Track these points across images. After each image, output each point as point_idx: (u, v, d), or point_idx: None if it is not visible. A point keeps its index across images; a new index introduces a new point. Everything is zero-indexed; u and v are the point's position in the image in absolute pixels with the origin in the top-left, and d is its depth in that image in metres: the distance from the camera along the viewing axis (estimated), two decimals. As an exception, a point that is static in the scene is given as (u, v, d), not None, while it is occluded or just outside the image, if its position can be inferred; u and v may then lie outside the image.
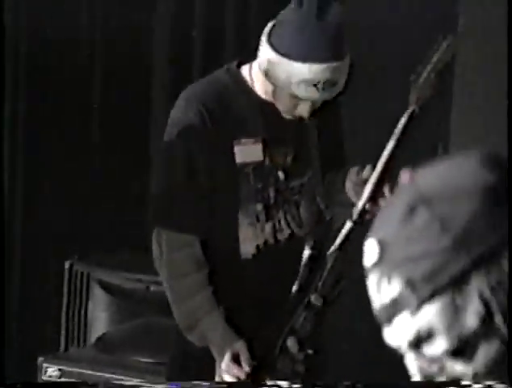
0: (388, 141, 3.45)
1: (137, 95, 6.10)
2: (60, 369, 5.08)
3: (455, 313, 1.42)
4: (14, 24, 6.05)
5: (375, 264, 1.50)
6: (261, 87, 3.65)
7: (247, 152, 3.63)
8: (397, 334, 1.48)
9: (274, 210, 3.63)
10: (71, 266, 5.42)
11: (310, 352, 3.44)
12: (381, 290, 1.49)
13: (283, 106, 3.60)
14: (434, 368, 1.45)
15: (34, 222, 6.07)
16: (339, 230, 3.45)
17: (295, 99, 3.53)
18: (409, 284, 1.44)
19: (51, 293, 5.78)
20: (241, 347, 3.45)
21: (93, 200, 6.05)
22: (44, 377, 5.02)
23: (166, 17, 6.11)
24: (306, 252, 3.42)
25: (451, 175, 1.53)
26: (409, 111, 3.40)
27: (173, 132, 3.65)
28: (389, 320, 1.48)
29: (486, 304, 1.41)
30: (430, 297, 1.43)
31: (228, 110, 3.66)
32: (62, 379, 5.02)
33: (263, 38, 3.52)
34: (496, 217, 1.44)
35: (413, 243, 1.46)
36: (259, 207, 3.62)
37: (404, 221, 1.47)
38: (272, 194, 3.62)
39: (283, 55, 3.46)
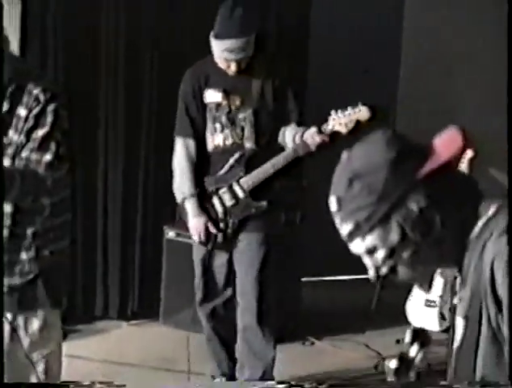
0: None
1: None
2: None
3: (385, 236, 2.41)
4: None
5: (337, 211, 2.48)
6: (218, 61, 5.65)
7: (212, 96, 5.75)
8: (356, 249, 2.47)
9: (225, 128, 5.73)
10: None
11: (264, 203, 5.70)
12: (342, 227, 2.47)
13: (224, 67, 5.62)
14: (384, 269, 2.46)
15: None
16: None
17: (227, 61, 5.57)
18: (356, 224, 2.44)
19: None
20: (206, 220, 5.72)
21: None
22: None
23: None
24: (236, 154, 5.69)
25: (369, 154, 2.46)
26: None
27: (181, 89, 5.92)
28: (350, 242, 2.47)
29: (402, 228, 2.41)
30: (370, 230, 2.43)
31: (205, 76, 5.78)
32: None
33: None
34: (399, 177, 2.40)
35: (354, 201, 2.43)
36: (217, 126, 5.74)
37: (348, 187, 2.43)
38: (224, 119, 5.72)
39: (213, 37, 5.57)
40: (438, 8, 8.14)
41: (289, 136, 5.56)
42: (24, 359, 4.68)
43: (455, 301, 2.50)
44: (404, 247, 2.39)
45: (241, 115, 5.63)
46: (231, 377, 5.99)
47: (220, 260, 5.80)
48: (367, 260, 2.44)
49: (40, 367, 4.67)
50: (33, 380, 4.70)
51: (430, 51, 8.14)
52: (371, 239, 2.40)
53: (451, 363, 2.46)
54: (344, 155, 2.45)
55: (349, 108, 5.42)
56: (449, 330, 2.53)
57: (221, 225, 5.70)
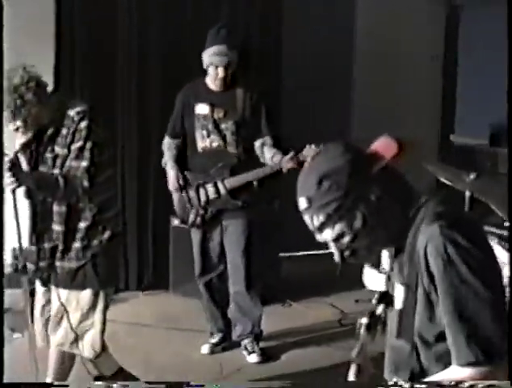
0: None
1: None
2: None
3: (351, 223, 2.40)
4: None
5: (306, 209, 2.45)
6: (208, 79, 5.70)
7: (201, 109, 5.74)
8: (324, 237, 2.46)
9: (211, 134, 5.70)
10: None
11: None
12: (313, 221, 2.45)
13: (212, 77, 5.63)
14: (347, 252, 2.45)
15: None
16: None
17: (215, 68, 5.54)
18: (327, 215, 2.41)
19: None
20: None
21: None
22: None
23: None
24: (225, 160, 5.68)
25: (331, 158, 2.45)
26: None
27: (175, 106, 5.94)
28: (320, 232, 2.45)
29: (364, 215, 2.40)
30: (339, 219, 2.40)
31: (195, 94, 5.79)
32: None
33: None
34: (358, 174, 2.40)
35: (325, 197, 2.40)
36: (204, 132, 5.72)
37: (318, 186, 2.41)
38: (210, 127, 5.69)
39: (205, 49, 5.59)
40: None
41: (268, 154, 5.63)
42: (70, 332, 4.69)
43: (396, 271, 2.48)
44: (365, 232, 2.40)
45: (223, 125, 5.64)
46: (225, 333, 6.01)
47: (212, 243, 5.88)
48: (333, 246, 2.45)
49: (85, 339, 4.70)
50: (75, 351, 4.74)
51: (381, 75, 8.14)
52: (339, 227, 2.40)
53: (395, 319, 2.45)
54: (306, 165, 2.48)
55: (321, 145, 5.39)
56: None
57: (201, 211, 5.77)
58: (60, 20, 6.87)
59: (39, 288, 4.79)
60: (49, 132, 4.47)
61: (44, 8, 6.83)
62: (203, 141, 5.69)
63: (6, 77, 4.34)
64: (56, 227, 4.52)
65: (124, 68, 7.10)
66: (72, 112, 4.44)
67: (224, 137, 5.64)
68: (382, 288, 2.54)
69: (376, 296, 2.34)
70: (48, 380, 4.85)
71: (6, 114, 4.39)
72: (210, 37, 5.57)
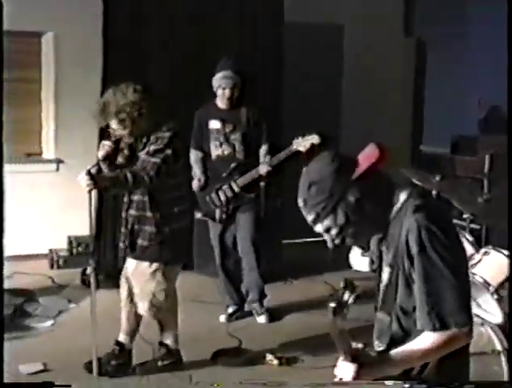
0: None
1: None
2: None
3: (335, 220, 2.38)
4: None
5: (303, 207, 2.43)
6: (218, 100, 5.76)
7: (213, 124, 5.79)
8: (317, 229, 2.43)
9: (223, 144, 5.75)
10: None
11: None
12: (308, 217, 2.43)
13: (220, 97, 5.71)
14: (337, 241, 2.42)
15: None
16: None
17: (223, 89, 5.64)
18: (317, 214, 2.40)
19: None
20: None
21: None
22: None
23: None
24: (233, 164, 5.77)
25: (319, 168, 2.42)
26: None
27: (194, 123, 5.94)
28: (314, 226, 2.43)
29: (346, 213, 2.36)
30: (325, 216, 2.38)
31: (208, 113, 5.83)
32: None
33: None
34: (340, 181, 2.36)
35: (313, 199, 2.39)
36: (217, 142, 5.79)
37: (308, 191, 2.40)
38: (222, 139, 5.76)
39: (215, 74, 5.65)
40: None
41: (263, 158, 5.79)
42: (135, 295, 4.78)
43: (384, 255, 2.44)
44: (349, 226, 2.38)
45: (233, 137, 5.74)
46: (239, 305, 6.07)
47: (229, 234, 5.98)
48: (325, 236, 2.44)
49: (146, 301, 4.75)
50: (142, 312, 4.81)
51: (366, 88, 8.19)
52: (326, 223, 2.39)
53: (379, 295, 2.45)
54: (304, 170, 2.47)
55: (306, 135, 5.53)
56: (375, 271, 2.52)
57: (224, 209, 5.83)
58: (107, 55, 6.81)
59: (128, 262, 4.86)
60: (144, 140, 4.60)
61: (93, 42, 6.82)
62: (216, 150, 5.80)
63: (120, 91, 4.52)
64: (138, 213, 4.64)
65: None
66: (164, 127, 4.56)
67: (233, 147, 5.76)
68: (365, 268, 2.56)
69: (342, 284, 2.26)
70: (121, 336, 4.90)
71: (109, 121, 4.54)
72: (219, 65, 5.69)
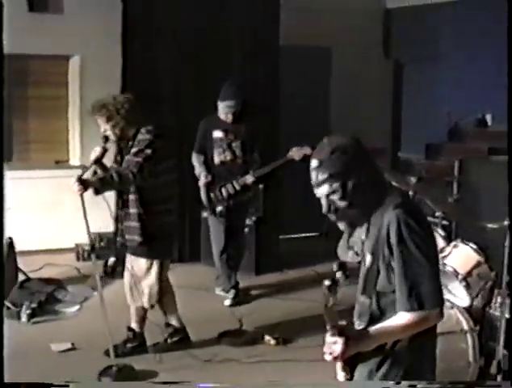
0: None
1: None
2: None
3: (343, 186, 2.32)
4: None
5: (316, 168, 2.35)
6: (221, 115, 5.77)
7: (217, 134, 5.83)
8: (321, 192, 2.35)
9: (225, 151, 5.81)
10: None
11: None
12: (317, 177, 2.35)
13: (224, 116, 5.76)
14: (332, 208, 2.36)
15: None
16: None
17: (227, 113, 5.73)
18: (330, 175, 2.32)
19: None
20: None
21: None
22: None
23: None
24: (235, 168, 5.85)
25: (350, 142, 2.36)
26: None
27: (198, 130, 5.98)
28: (319, 186, 2.35)
29: (354, 186, 2.32)
30: (338, 179, 2.32)
31: (212, 124, 5.86)
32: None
33: None
34: (359, 163, 2.33)
35: (332, 162, 2.32)
36: (220, 150, 5.83)
37: (330, 154, 2.32)
38: (225, 146, 5.81)
39: (219, 100, 5.75)
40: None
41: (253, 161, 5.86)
42: (134, 288, 4.72)
43: (365, 244, 2.41)
44: (350, 198, 2.34)
45: (234, 144, 5.82)
46: (235, 287, 6.04)
47: (226, 227, 5.95)
48: (324, 200, 2.37)
49: (146, 293, 4.71)
50: (144, 305, 4.75)
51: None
52: (334, 185, 2.32)
53: (362, 279, 2.41)
54: (326, 139, 2.39)
55: (302, 147, 5.58)
56: (360, 262, 2.50)
57: (225, 203, 5.86)
58: (126, 77, 6.86)
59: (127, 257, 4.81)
60: (130, 144, 4.53)
61: (114, 65, 6.83)
62: (219, 156, 5.85)
63: (111, 98, 4.52)
64: (132, 210, 4.57)
65: (167, 99, 7.08)
66: (143, 129, 4.51)
67: (234, 153, 5.83)
68: (350, 260, 2.55)
69: (335, 265, 2.26)
70: (133, 324, 4.87)
71: (99, 119, 4.50)
72: (223, 92, 5.77)
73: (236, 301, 5.99)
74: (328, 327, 2.28)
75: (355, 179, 2.34)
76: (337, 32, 7.81)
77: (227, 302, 5.97)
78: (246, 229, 6.50)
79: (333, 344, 2.26)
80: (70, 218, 7.04)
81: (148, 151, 4.43)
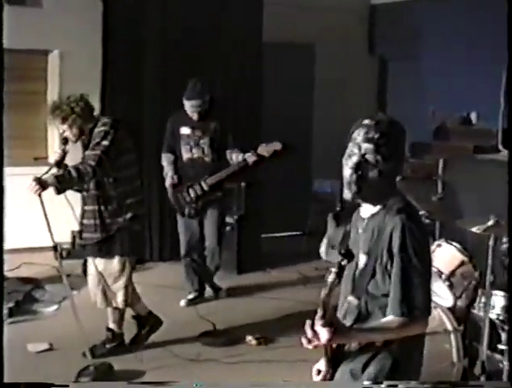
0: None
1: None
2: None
3: (376, 161, 2.32)
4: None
5: (365, 137, 2.33)
6: (188, 112, 5.67)
7: (184, 130, 5.77)
8: (353, 161, 2.34)
9: (193, 148, 5.74)
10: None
11: None
12: (361, 145, 2.34)
13: (190, 114, 5.67)
14: (373, 169, 2.32)
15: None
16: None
17: (192, 112, 5.64)
18: (377, 146, 2.31)
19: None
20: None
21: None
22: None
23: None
24: (203, 166, 5.73)
25: (383, 119, 2.35)
26: None
27: (167, 127, 5.94)
28: (352, 157, 2.35)
29: (391, 168, 2.35)
30: (375, 153, 2.31)
31: (179, 120, 5.78)
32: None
33: None
34: (402, 148, 2.37)
35: (380, 138, 2.32)
36: (188, 147, 5.76)
37: (381, 133, 2.33)
38: (192, 143, 5.75)
39: (185, 98, 5.64)
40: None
41: (235, 157, 5.66)
42: (108, 290, 4.68)
43: (360, 244, 2.40)
44: (376, 173, 2.32)
45: (201, 141, 5.72)
46: (199, 292, 6.01)
47: (196, 228, 5.90)
48: (355, 160, 2.34)
49: (120, 295, 4.68)
50: (114, 304, 4.70)
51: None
52: (371, 157, 2.31)
53: (350, 278, 2.41)
54: (368, 119, 2.37)
55: (270, 143, 5.51)
56: (341, 261, 2.41)
57: (194, 205, 5.77)
58: (106, 73, 6.87)
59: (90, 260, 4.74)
60: (86, 140, 4.51)
61: (94, 60, 6.82)
62: (187, 154, 5.78)
63: (65, 98, 4.50)
64: (91, 207, 4.53)
65: (148, 97, 7.07)
66: (99, 123, 4.49)
67: (202, 150, 5.73)
68: (333, 259, 2.51)
69: (343, 251, 2.21)
70: (111, 324, 4.84)
71: (56, 122, 4.48)
72: (188, 90, 5.65)
73: (193, 303, 5.92)
74: (318, 315, 2.25)
75: (396, 155, 2.36)
76: (321, 29, 7.82)
77: (182, 303, 5.92)
78: (228, 228, 6.49)
79: (321, 333, 2.22)
80: (49, 217, 7.01)
81: (105, 142, 4.40)
